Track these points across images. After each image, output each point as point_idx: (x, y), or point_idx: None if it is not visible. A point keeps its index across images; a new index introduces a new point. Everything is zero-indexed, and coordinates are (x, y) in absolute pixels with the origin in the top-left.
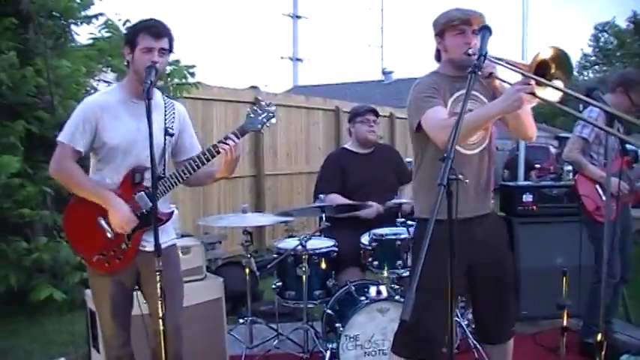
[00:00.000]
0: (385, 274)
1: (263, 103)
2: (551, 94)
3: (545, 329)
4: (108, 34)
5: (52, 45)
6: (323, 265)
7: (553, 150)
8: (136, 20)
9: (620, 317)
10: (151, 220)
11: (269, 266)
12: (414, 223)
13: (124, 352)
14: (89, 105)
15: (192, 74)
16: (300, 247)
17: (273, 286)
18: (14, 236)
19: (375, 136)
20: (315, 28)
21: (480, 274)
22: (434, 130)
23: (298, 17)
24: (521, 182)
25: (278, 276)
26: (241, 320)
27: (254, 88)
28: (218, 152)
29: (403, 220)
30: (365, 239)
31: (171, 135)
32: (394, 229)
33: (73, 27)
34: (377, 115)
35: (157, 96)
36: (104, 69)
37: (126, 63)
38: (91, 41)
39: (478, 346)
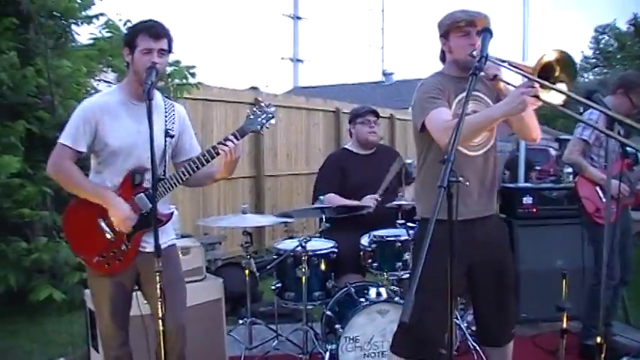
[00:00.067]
0: (385, 275)
1: (263, 104)
2: (555, 97)
3: (544, 331)
4: (108, 34)
5: (53, 45)
6: (323, 267)
7: (553, 152)
8: (136, 21)
9: (619, 320)
10: (151, 221)
11: (269, 267)
12: (414, 224)
13: (122, 352)
14: (89, 106)
15: (193, 75)
16: (299, 248)
17: (273, 287)
18: (14, 236)
19: (376, 137)
20: (315, 29)
21: (480, 274)
22: (437, 132)
23: (299, 18)
24: (522, 184)
25: (277, 277)
26: (241, 321)
27: (254, 88)
28: (218, 153)
29: (403, 221)
30: (365, 241)
31: (172, 136)
32: (394, 231)
33: (73, 27)
34: (377, 116)
35: (157, 97)
36: (105, 69)
37: (125, 64)
38: (91, 41)
39: (478, 348)
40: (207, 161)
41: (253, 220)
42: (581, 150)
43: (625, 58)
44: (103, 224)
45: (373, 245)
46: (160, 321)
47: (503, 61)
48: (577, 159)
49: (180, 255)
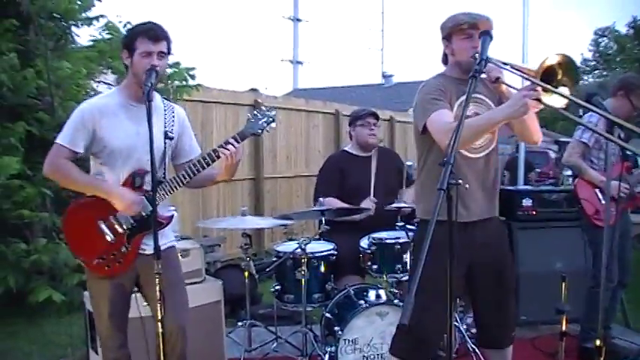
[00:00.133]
0: (384, 278)
1: (263, 108)
2: (556, 100)
3: (544, 334)
4: (108, 36)
5: (53, 46)
6: (322, 269)
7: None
8: (135, 23)
9: (618, 322)
10: (151, 223)
11: (268, 269)
12: (413, 227)
13: (121, 354)
14: (88, 108)
15: (193, 76)
16: (299, 250)
17: (272, 290)
18: (13, 237)
19: (376, 139)
20: (315, 31)
21: (479, 274)
22: (439, 134)
23: (299, 20)
24: (521, 187)
25: (277, 279)
26: (240, 323)
27: (254, 90)
28: (218, 157)
29: (403, 223)
30: (364, 243)
31: (171, 138)
32: (393, 233)
33: (73, 28)
34: (377, 118)
35: (157, 99)
36: (105, 70)
37: (124, 67)
38: (91, 43)
39: (477, 350)
40: (208, 164)
41: (253, 222)
42: (580, 152)
43: (625, 60)
44: (103, 226)
45: (373, 247)
46: (159, 323)
47: (506, 64)
48: (576, 161)
49: (180, 257)
